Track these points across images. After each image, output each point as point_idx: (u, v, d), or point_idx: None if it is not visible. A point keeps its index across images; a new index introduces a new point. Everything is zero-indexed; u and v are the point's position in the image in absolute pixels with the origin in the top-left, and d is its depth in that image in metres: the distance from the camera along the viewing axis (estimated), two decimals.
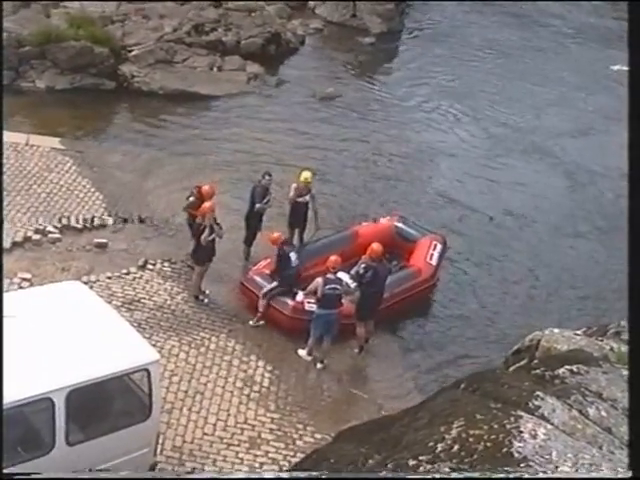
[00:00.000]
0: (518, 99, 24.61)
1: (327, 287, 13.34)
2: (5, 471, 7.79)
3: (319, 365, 13.63)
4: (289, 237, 15.60)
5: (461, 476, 4.76)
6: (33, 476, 7.52)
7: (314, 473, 5.24)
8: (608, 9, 30.29)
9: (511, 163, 21.37)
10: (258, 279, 14.41)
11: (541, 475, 4.85)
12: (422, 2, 30.07)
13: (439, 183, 19.92)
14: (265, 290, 14.11)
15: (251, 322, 14.16)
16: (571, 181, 20.96)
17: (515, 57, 27.65)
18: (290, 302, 14.06)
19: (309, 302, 13.86)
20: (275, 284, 14.11)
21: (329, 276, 13.45)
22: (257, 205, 15.27)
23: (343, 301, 13.66)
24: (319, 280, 13.44)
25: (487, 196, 19.71)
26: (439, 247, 15.83)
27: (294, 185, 15.57)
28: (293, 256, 14.19)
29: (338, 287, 13.46)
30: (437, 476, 4.79)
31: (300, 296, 14.06)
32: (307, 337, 13.63)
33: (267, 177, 15.40)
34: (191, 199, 14.88)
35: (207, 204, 14.19)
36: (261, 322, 14.16)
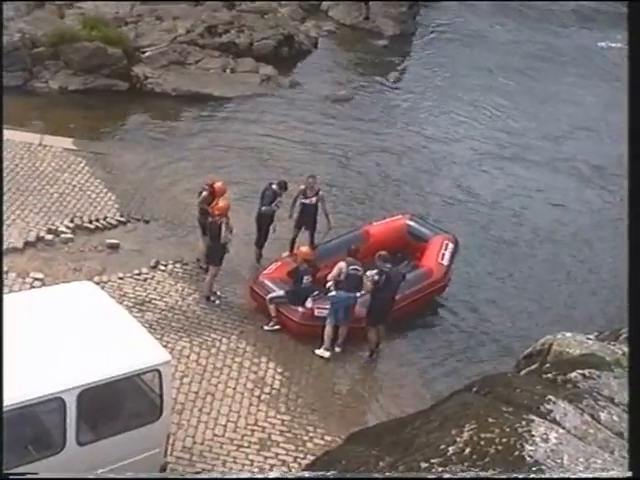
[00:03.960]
0: (531, 100, 24.63)
1: (350, 267, 13.50)
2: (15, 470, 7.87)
3: (337, 349, 13.78)
4: (294, 237, 15.58)
5: (467, 476, 4.75)
6: (35, 476, 7.55)
7: (319, 473, 5.24)
8: None
9: (526, 165, 21.30)
10: (267, 283, 14.37)
11: (545, 475, 4.84)
12: (435, 5, 30.08)
13: (452, 184, 19.88)
14: (271, 296, 14.08)
15: (266, 327, 14.13)
16: (587, 183, 20.90)
17: (527, 56, 27.72)
18: (300, 309, 14.05)
19: (319, 308, 13.88)
20: (282, 293, 14.06)
21: (349, 259, 13.59)
22: (262, 208, 15.27)
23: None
24: (341, 264, 13.59)
25: (501, 198, 19.65)
26: (451, 247, 15.75)
27: (301, 187, 15.59)
28: (305, 279, 14.09)
29: (359, 268, 13.59)
30: (446, 476, 4.78)
31: (310, 303, 14.05)
32: (322, 334, 13.68)
33: (283, 188, 15.36)
34: (204, 194, 14.90)
35: (224, 203, 14.22)
36: (277, 327, 14.13)
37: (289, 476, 5.15)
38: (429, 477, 4.86)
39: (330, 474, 5.22)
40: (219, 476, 10.48)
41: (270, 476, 5.39)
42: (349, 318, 13.71)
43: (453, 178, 20.19)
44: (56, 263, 14.43)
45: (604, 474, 5.03)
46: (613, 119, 23.22)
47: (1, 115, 14.51)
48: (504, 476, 4.81)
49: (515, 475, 4.81)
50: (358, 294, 13.66)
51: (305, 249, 14.43)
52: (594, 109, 24.58)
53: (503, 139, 22.36)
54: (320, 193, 15.57)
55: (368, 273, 13.69)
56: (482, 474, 4.83)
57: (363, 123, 21.95)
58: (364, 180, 19.35)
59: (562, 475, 4.91)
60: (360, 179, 19.35)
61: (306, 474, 5.51)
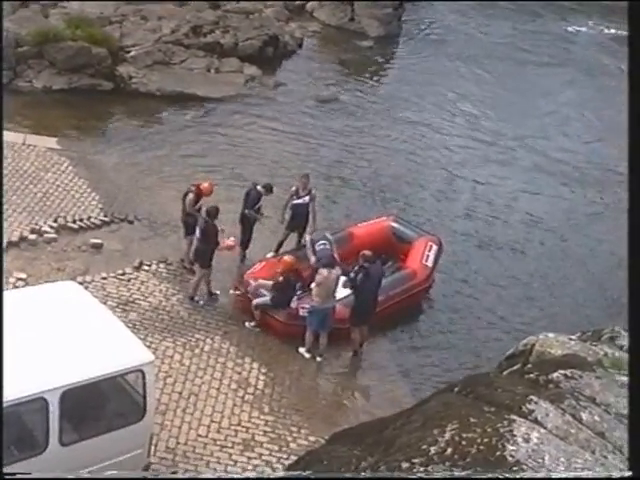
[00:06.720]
0: (512, 95, 24.89)
1: (317, 244, 14.05)
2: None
3: (319, 358, 13.76)
4: (282, 239, 15.57)
5: (447, 476, 4.77)
6: (36, 476, 7.52)
7: (294, 473, 5.25)
8: None
9: (510, 166, 21.41)
10: (252, 283, 14.36)
11: (541, 475, 4.87)
12: (420, 6, 30.16)
13: (436, 186, 19.94)
14: (257, 303, 14.05)
15: (247, 324, 14.15)
16: (569, 184, 21.00)
17: (504, 47, 28.24)
18: (284, 309, 14.06)
19: (303, 308, 13.87)
20: (268, 299, 14.01)
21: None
22: (246, 211, 15.26)
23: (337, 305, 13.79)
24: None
25: (484, 200, 19.71)
26: (435, 248, 15.80)
27: (293, 188, 15.58)
28: (298, 286, 14.13)
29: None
30: (424, 476, 4.80)
31: (294, 302, 14.05)
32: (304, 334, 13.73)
33: (269, 191, 15.34)
34: (190, 195, 14.86)
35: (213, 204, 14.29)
36: (256, 329, 14.13)
37: (280, 476, 5.15)
38: (412, 477, 4.87)
39: (313, 473, 5.23)
40: (214, 476, 10.47)
41: (265, 476, 5.40)
42: (327, 327, 13.70)
43: (437, 179, 20.26)
44: (39, 263, 14.38)
45: (603, 474, 5.05)
46: (587, 113, 23.89)
47: (1, 114, 14.47)
48: (501, 476, 4.83)
49: (513, 476, 4.83)
50: (335, 301, 13.69)
51: (289, 259, 14.32)
52: (568, 101, 25.19)
53: (486, 139, 22.44)
54: (312, 192, 15.56)
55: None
56: (457, 473, 4.85)
57: (347, 124, 21.96)
58: (347, 181, 19.37)
59: (564, 475, 4.93)
60: (343, 180, 19.37)
61: (293, 473, 5.50)
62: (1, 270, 13.18)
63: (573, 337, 7.47)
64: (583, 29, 30.30)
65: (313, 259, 14.10)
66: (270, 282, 14.08)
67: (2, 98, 14.39)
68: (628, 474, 4.52)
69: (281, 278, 13.95)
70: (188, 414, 12.04)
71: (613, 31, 29.56)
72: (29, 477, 7.63)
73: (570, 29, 30.25)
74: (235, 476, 8.61)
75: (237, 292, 14.45)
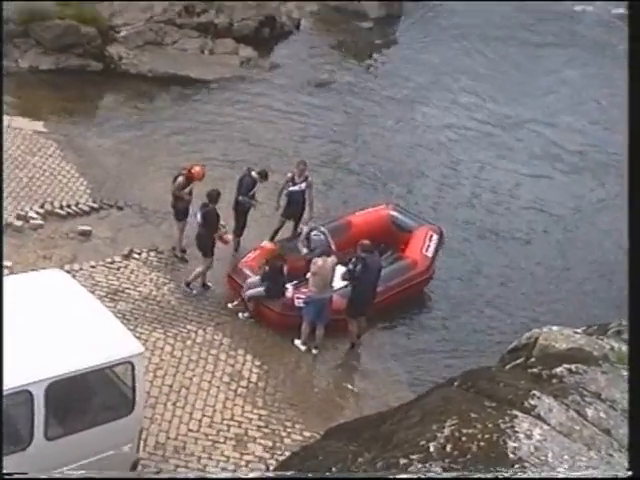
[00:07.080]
0: (516, 78, 24.69)
1: (312, 233, 14.02)
2: None
3: (314, 351, 13.63)
4: (278, 227, 15.39)
5: (449, 476, 4.65)
6: (37, 475, 7.36)
7: (287, 473, 5.11)
8: None
9: (514, 153, 21.18)
10: (246, 271, 14.21)
11: (544, 475, 4.75)
12: None
13: (436, 173, 19.76)
14: (251, 294, 13.86)
15: (241, 314, 14.02)
16: (574, 172, 20.78)
17: (507, 27, 27.90)
18: (280, 299, 13.89)
19: (299, 298, 13.74)
20: (262, 290, 13.81)
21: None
22: (240, 198, 15.05)
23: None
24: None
25: (487, 188, 19.48)
26: (435, 238, 15.63)
27: (289, 174, 15.41)
28: (285, 268, 13.97)
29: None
30: (423, 476, 4.67)
31: (290, 292, 13.88)
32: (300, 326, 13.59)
33: (264, 178, 15.14)
34: (180, 179, 14.63)
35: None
36: (250, 320, 13.96)
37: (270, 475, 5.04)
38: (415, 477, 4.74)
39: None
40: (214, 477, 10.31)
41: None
42: (324, 318, 13.54)
43: (438, 164, 20.09)
44: (25, 250, 14.26)
45: (608, 473, 4.95)
46: (593, 96, 23.92)
47: (1, 102, 14.29)
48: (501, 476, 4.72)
49: (519, 475, 4.73)
50: (333, 291, 13.55)
51: (268, 245, 14.36)
52: (574, 81, 24.97)
53: (490, 122, 22.25)
54: (309, 179, 15.45)
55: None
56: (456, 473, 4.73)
57: (345, 107, 21.87)
58: (345, 166, 19.24)
59: (567, 475, 4.82)
60: (341, 165, 19.25)
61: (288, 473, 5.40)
62: (1, 256, 13.00)
63: (578, 330, 7.49)
64: (590, 8, 30.06)
65: (304, 251, 14.01)
66: (258, 277, 13.90)
67: (2, 82, 14.13)
68: (628, 474, 4.42)
69: (267, 268, 13.80)
70: (179, 408, 11.90)
71: (621, 10, 29.29)
72: (29, 477, 7.46)
73: (577, 8, 29.96)
74: (223, 476, 8.45)
75: (235, 303, 14.22)
